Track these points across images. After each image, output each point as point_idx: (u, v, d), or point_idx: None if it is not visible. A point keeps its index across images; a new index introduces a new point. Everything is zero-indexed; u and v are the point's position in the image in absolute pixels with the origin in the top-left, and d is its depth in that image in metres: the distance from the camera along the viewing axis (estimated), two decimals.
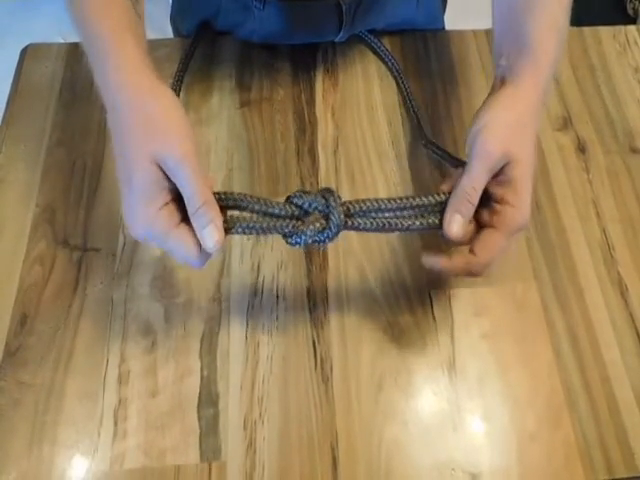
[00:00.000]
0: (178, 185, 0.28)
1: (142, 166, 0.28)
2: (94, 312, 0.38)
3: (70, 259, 0.40)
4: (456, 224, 0.29)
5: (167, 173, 0.28)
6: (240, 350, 0.37)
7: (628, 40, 0.51)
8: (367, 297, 0.39)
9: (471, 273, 0.31)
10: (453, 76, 0.49)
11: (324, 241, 0.30)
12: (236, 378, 0.36)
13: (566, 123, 0.47)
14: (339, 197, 0.30)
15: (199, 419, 0.35)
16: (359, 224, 0.30)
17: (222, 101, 0.47)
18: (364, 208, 0.30)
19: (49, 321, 0.37)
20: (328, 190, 0.30)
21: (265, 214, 0.30)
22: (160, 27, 0.66)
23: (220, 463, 0.33)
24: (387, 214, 0.31)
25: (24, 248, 0.40)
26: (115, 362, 0.36)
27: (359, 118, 0.46)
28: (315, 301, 0.39)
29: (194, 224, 0.28)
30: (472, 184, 0.29)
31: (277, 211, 0.30)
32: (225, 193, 0.30)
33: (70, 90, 0.47)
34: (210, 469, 0.33)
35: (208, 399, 0.35)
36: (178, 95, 0.45)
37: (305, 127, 0.46)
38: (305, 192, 0.30)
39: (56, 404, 0.35)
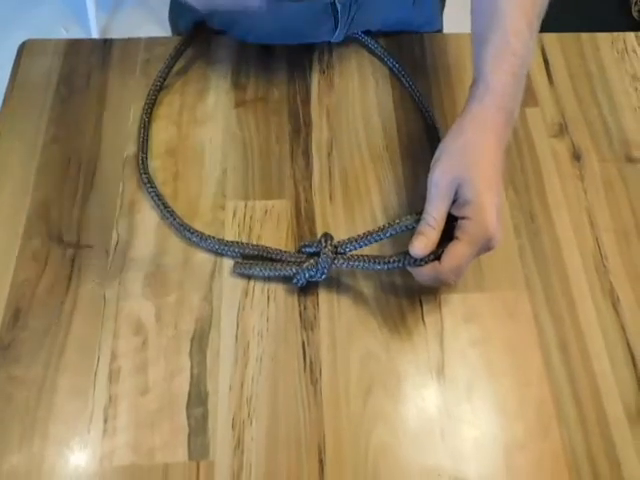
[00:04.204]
0: None
1: None
2: (86, 309, 0.38)
3: (64, 256, 0.40)
4: (417, 242, 0.34)
5: None
6: (230, 350, 0.37)
7: (626, 47, 0.51)
8: (358, 300, 0.39)
9: (440, 280, 0.34)
10: (450, 79, 0.49)
11: (318, 277, 0.37)
12: (225, 378, 0.36)
13: (562, 130, 0.47)
14: (331, 238, 0.37)
15: (188, 418, 0.35)
16: (344, 263, 0.36)
17: (217, 101, 0.47)
18: (352, 242, 0.36)
19: (42, 317, 0.38)
20: (325, 234, 0.37)
21: (280, 261, 0.38)
22: (164, 19, 0.64)
23: (208, 462, 0.34)
24: (372, 242, 0.36)
25: (18, 244, 0.40)
26: (106, 360, 0.36)
27: (354, 120, 0.46)
28: (306, 304, 0.39)
29: None
30: (429, 211, 0.34)
31: (290, 259, 0.38)
32: (257, 245, 0.39)
33: (67, 86, 0.47)
34: (198, 468, 0.34)
35: (197, 398, 0.35)
36: (157, 95, 0.45)
37: (300, 128, 0.46)
38: (312, 240, 0.38)
39: (47, 400, 0.35)
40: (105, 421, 0.35)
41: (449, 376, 0.37)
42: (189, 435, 0.34)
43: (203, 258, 0.40)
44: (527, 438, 0.35)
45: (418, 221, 0.34)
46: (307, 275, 0.37)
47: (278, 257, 0.38)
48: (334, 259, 0.36)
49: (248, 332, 0.38)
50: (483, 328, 0.38)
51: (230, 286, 0.39)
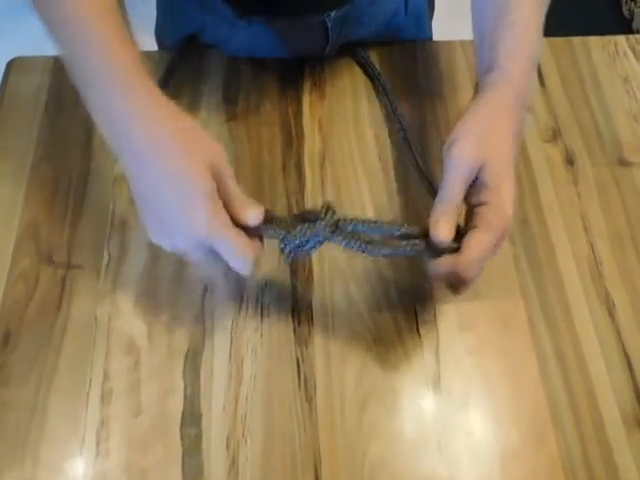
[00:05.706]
0: (224, 188, 0.31)
1: (200, 172, 0.30)
2: (77, 330, 0.38)
3: (54, 276, 0.39)
4: (442, 225, 0.30)
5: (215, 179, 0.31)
6: (224, 368, 0.37)
7: (617, 50, 0.51)
8: (352, 314, 0.39)
9: (458, 276, 0.31)
10: (441, 87, 0.48)
11: (310, 248, 0.32)
12: (219, 397, 0.36)
13: (555, 134, 0.47)
14: (334, 212, 0.32)
15: (182, 438, 0.34)
16: (343, 240, 0.31)
17: (209, 115, 0.46)
18: (357, 223, 0.31)
19: (32, 339, 0.37)
20: (328, 205, 0.32)
21: (271, 223, 0.32)
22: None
23: None
24: (374, 235, 0.32)
25: (8, 265, 0.40)
26: (98, 381, 0.36)
27: (346, 132, 0.46)
28: (300, 319, 0.38)
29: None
30: (449, 193, 0.31)
31: (290, 223, 0.32)
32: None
33: (56, 104, 0.47)
34: None
35: (191, 418, 0.35)
36: None
37: (292, 141, 0.46)
38: (313, 210, 0.33)
39: (38, 423, 0.35)
40: (97, 443, 0.34)
41: (445, 387, 0.36)
42: (183, 456, 0.34)
43: (195, 276, 0.40)
44: (523, 446, 0.35)
45: (421, 246, 0.31)
46: (297, 242, 0.31)
47: (269, 217, 0.32)
48: (333, 231, 0.30)
49: (242, 349, 0.37)
50: (478, 337, 0.38)
51: (223, 303, 0.39)
